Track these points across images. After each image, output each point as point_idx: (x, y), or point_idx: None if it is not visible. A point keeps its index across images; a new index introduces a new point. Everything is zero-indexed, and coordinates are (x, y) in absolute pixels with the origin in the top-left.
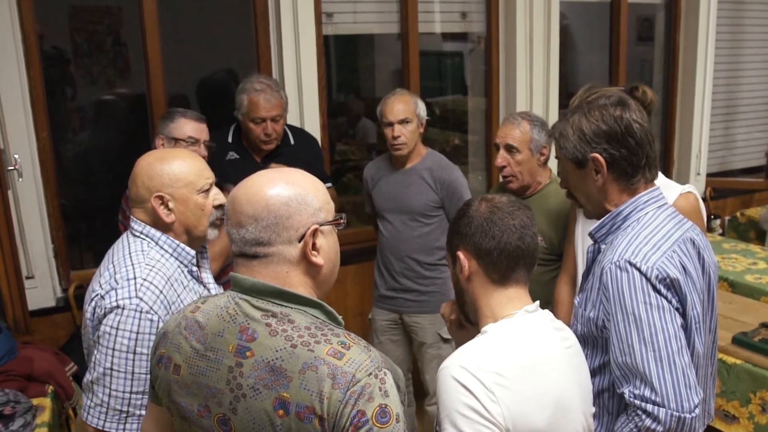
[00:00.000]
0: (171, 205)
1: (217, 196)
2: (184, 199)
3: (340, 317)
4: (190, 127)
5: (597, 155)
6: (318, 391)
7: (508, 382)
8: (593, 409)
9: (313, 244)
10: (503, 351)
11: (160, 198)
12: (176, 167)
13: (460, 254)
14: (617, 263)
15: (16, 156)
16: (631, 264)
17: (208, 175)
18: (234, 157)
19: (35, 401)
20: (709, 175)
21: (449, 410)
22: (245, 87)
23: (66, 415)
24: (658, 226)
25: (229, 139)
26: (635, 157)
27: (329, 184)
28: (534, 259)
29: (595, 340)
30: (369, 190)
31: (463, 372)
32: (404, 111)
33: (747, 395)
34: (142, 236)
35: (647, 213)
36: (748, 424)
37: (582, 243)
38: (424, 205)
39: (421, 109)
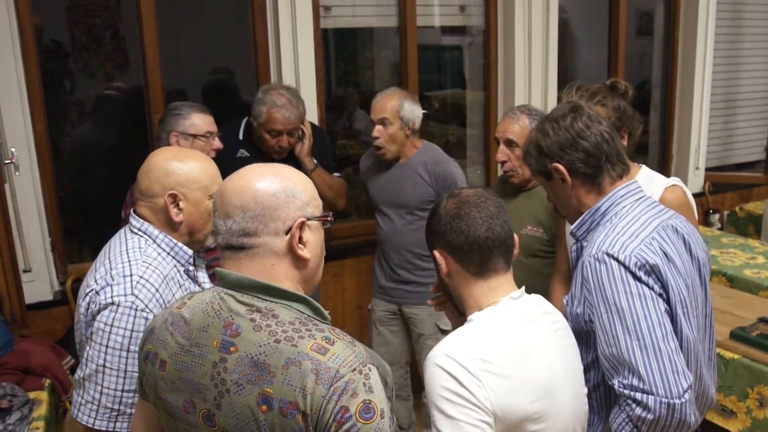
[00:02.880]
0: (182, 204)
1: None
2: (197, 201)
3: (326, 312)
4: (205, 121)
5: (557, 165)
6: (301, 387)
7: (495, 368)
8: (585, 391)
9: (300, 237)
10: (489, 338)
11: (173, 196)
12: (194, 168)
13: (436, 253)
14: (595, 256)
15: (13, 149)
16: (608, 255)
17: (220, 182)
18: (244, 155)
19: (32, 395)
20: (708, 169)
21: (435, 397)
22: (265, 99)
23: (63, 408)
24: (635, 216)
25: (240, 136)
26: (592, 158)
27: (338, 174)
28: (509, 246)
29: (587, 336)
30: (366, 181)
31: (447, 359)
32: (383, 110)
33: (745, 390)
34: (140, 233)
35: (624, 206)
36: (746, 419)
37: (570, 240)
38: (419, 199)
39: (409, 111)
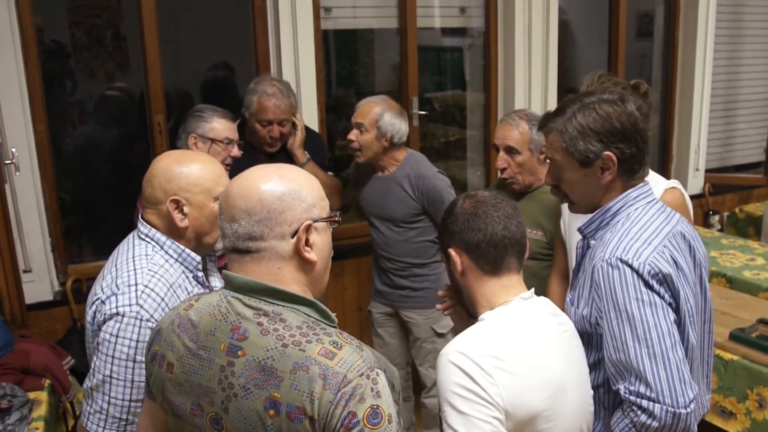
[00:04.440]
0: (186, 209)
1: None
2: (200, 205)
3: (333, 315)
4: (226, 127)
5: (610, 154)
6: (309, 392)
7: (507, 365)
8: (591, 392)
9: (306, 240)
10: (501, 336)
11: (176, 202)
12: (195, 171)
13: (452, 251)
14: (608, 261)
15: (14, 149)
16: (622, 261)
17: (225, 182)
18: None
19: (32, 395)
20: (707, 170)
21: (447, 393)
22: (256, 88)
23: (63, 408)
24: (648, 221)
25: None
26: (642, 154)
27: (331, 173)
28: (523, 246)
29: (589, 338)
30: (356, 190)
31: (461, 356)
32: (362, 116)
33: (744, 391)
34: (147, 239)
35: (637, 209)
36: (745, 420)
37: (569, 238)
38: (404, 213)
39: (388, 123)
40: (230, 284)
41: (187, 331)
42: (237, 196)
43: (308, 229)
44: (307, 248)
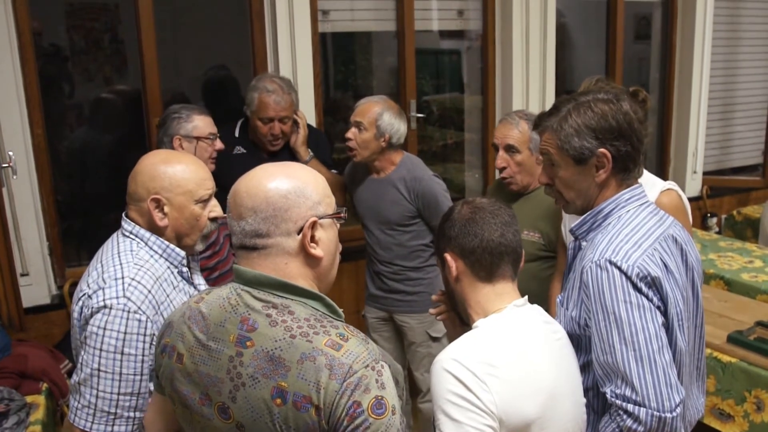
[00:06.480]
0: (166, 209)
1: (214, 208)
2: (181, 206)
3: (340, 310)
4: (207, 122)
5: (605, 151)
6: (315, 381)
7: (500, 372)
8: (584, 400)
9: (312, 237)
10: (494, 343)
11: (157, 201)
12: (179, 172)
13: (447, 256)
14: (597, 262)
15: (11, 153)
16: (611, 263)
17: (209, 186)
18: (241, 151)
19: (29, 399)
20: (705, 173)
21: (441, 400)
22: (257, 85)
23: (60, 412)
24: (639, 223)
25: (236, 134)
26: (637, 153)
27: (335, 171)
28: (518, 254)
29: (578, 339)
30: (350, 193)
31: (455, 363)
32: (361, 114)
33: (742, 394)
34: (131, 236)
35: (628, 210)
36: (743, 423)
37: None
38: (399, 215)
39: (387, 123)
40: (240, 278)
41: (197, 323)
42: (244, 195)
43: (313, 225)
44: (312, 244)
